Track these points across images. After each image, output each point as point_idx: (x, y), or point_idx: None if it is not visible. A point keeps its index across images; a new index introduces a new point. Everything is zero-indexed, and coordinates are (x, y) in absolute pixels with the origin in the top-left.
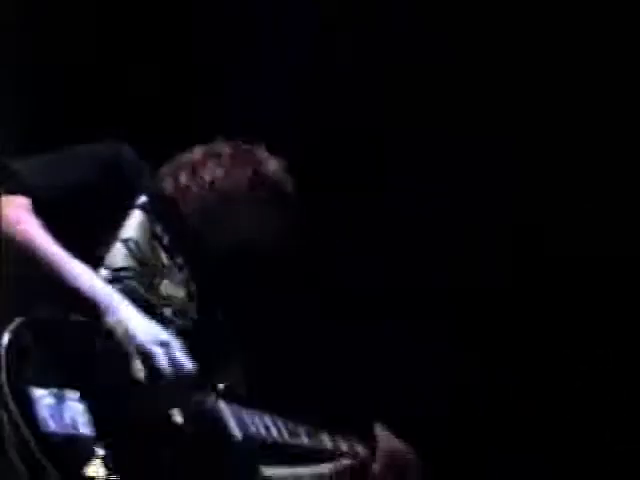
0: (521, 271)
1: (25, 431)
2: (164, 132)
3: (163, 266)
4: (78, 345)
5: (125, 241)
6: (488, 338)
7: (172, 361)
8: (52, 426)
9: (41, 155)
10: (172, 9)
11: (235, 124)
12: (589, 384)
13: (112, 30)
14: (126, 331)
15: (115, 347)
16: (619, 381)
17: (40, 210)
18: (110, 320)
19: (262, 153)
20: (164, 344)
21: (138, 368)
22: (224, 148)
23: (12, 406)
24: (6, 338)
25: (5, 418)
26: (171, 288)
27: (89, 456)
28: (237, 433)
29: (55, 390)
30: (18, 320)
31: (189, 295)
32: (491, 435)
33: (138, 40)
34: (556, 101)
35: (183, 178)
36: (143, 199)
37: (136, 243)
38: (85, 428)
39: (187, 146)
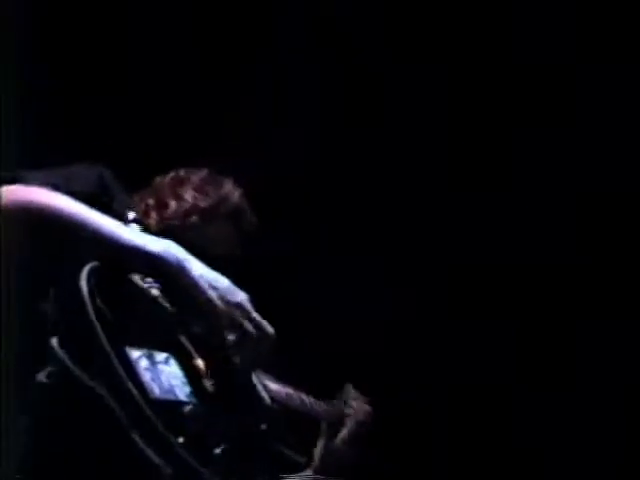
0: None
1: (140, 400)
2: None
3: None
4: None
5: None
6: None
7: (254, 322)
8: (156, 392)
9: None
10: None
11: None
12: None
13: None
14: (207, 284)
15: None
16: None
17: None
18: (188, 276)
19: (225, 180)
20: (241, 303)
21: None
22: (194, 175)
23: (120, 371)
24: (85, 288)
25: (103, 389)
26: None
27: (193, 425)
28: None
29: (145, 350)
30: (87, 268)
31: None
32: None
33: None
34: None
35: (162, 197)
36: (132, 215)
37: None
38: (181, 393)
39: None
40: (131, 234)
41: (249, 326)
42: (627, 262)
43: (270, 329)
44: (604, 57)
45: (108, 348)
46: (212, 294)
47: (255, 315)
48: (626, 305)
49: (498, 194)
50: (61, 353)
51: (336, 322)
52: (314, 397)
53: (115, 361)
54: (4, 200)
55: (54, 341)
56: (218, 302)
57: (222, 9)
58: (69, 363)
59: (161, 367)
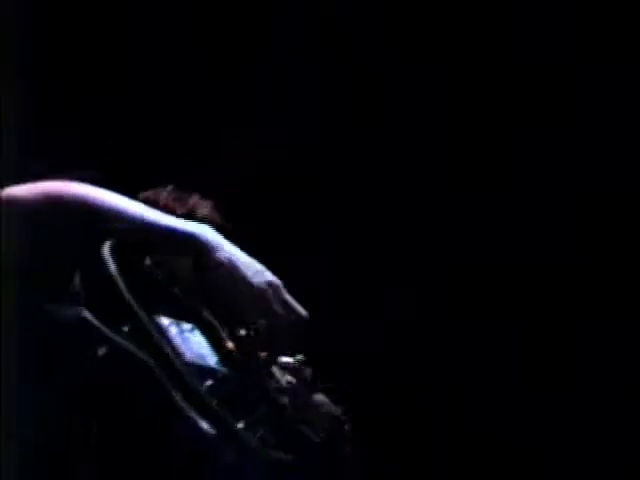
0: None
1: (177, 363)
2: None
3: None
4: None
5: None
6: None
7: (286, 305)
8: (188, 356)
9: None
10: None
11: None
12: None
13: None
14: (238, 267)
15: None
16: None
17: None
18: (220, 255)
19: (191, 195)
20: (271, 283)
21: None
22: (161, 194)
23: (157, 336)
24: (113, 265)
25: (144, 354)
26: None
27: (225, 391)
28: None
29: (172, 319)
30: (107, 246)
31: None
32: None
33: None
34: None
35: None
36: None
37: None
38: (211, 361)
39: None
40: (165, 217)
41: (280, 309)
42: (627, 262)
43: (303, 311)
44: (604, 57)
45: (144, 317)
46: (245, 272)
47: (288, 297)
48: (626, 305)
49: (498, 194)
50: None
51: (336, 322)
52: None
53: (151, 327)
54: (38, 193)
55: (87, 314)
56: (251, 281)
57: (222, 9)
58: (108, 332)
59: (188, 335)
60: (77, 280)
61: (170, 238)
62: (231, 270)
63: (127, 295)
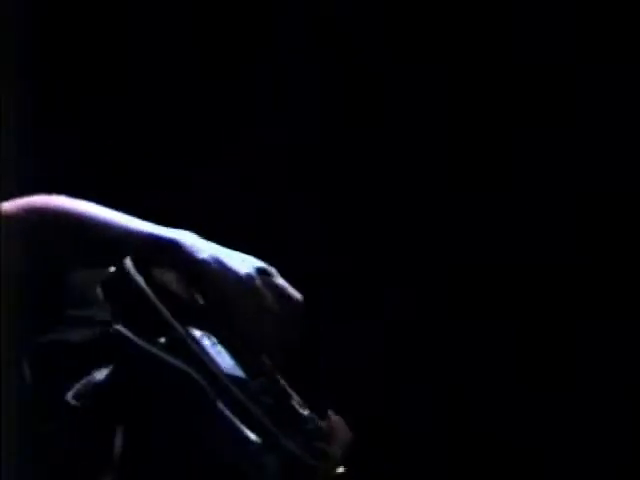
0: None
1: (219, 373)
2: None
3: None
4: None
5: None
6: None
7: (277, 289)
8: (225, 369)
9: None
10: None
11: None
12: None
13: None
14: (223, 263)
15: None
16: None
17: None
18: (205, 255)
19: None
20: (262, 271)
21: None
22: None
23: (196, 348)
24: (139, 277)
25: (185, 366)
26: None
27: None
28: None
29: (202, 332)
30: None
31: None
32: None
33: None
34: None
35: None
36: None
37: None
38: (240, 372)
39: None
40: (147, 224)
41: (272, 298)
42: (627, 262)
43: (299, 296)
44: (604, 57)
45: (180, 328)
46: (232, 264)
47: (282, 282)
48: (626, 305)
49: (498, 194)
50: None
51: (335, 322)
52: (311, 398)
53: (189, 339)
54: (22, 208)
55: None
56: (239, 271)
57: (222, 9)
58: (144, 344)
59: (218, 347)
60: (100, 294)
61: (154, 245)
62: (218, 266)
63: (161, 307)
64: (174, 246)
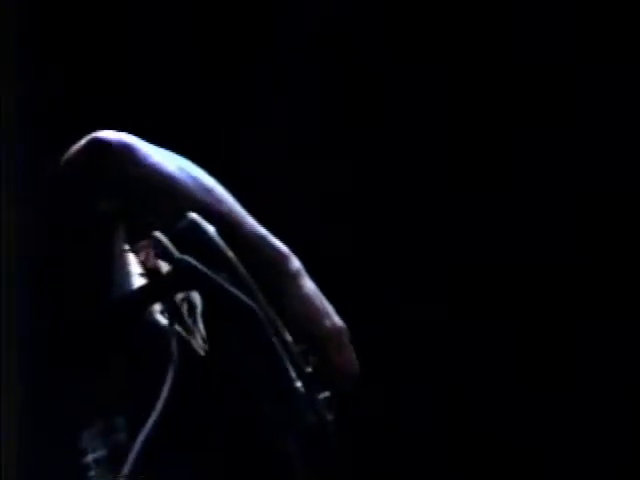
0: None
1: (280, 324)
2: None
3: None
4: None
5: None
6: None
7: (344, 350)
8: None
9: None
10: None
11: None
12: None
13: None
14: (317, 303)
15: None
16: None
17: None
18: (304, 284)
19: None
20: (339, 331)
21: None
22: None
23: (255, 288)
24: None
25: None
26: None
27: None
28: None
29: None
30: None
31: None
32: None
33: None
34: None
35: None
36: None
37: None
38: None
39: None
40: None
41: (338, 357)
42: (627, 262)
43: (357, 367)
44: (604, 57)
45: (241, 267)
46: (321, 313)
47: (349, 347)
48: (626, 305)
49: (498, 194)
50: None
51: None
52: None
53: (249, 278)
54: None
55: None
56: (324, 323)
57: (222, 9)
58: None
59: None
60: (165, 240)
61: (260, 246)
62: (309, 305)
63: (232, 256)
64: (284, 257)
